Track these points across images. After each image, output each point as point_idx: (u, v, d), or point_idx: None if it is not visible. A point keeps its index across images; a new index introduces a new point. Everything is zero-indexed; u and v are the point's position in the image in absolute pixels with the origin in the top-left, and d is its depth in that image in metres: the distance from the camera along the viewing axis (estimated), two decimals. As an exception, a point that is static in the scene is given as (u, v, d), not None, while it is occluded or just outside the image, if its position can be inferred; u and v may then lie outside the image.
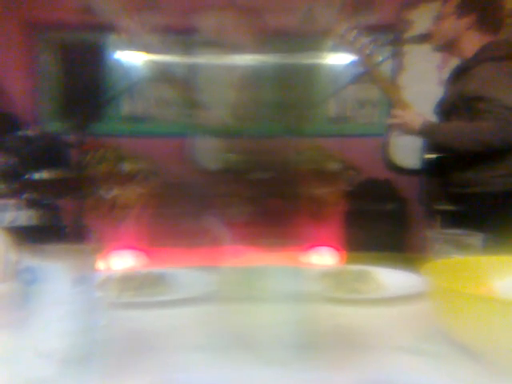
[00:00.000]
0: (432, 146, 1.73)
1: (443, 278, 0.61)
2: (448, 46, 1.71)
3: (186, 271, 0.94)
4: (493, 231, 0.90)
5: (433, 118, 1.73)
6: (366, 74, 1.82)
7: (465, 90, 1.59)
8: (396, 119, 1.70)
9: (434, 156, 1.73)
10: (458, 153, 1.61)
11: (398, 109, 1.71)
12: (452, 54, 1.76)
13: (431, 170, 1.77)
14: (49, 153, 1.85)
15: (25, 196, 1.71)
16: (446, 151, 1.66)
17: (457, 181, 1.65)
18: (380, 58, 1.86)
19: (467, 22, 1.64)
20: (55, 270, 0.51)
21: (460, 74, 1.66)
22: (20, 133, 1.90)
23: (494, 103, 1.51)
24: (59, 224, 1.80)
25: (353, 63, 1.81)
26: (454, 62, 1.78)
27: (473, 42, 1.64)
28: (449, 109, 1.66)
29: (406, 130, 1.69)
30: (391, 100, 1.79)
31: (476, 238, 0.78)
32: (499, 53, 1.61)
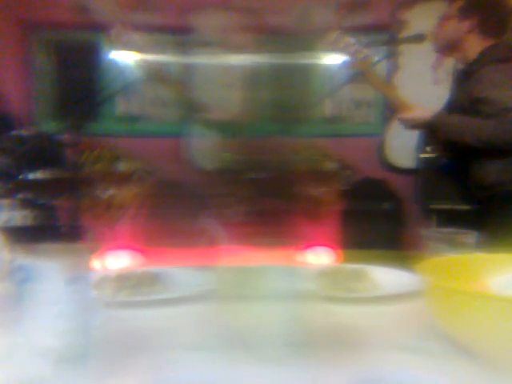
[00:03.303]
0: (431, 142, 1.72)
1: (438, 275, 0.61)
2: (449, 48, 1.71)
3: (183, 270, 0.94)
4: (491, 229, 0.90)
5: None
6: (361, 75, 1.82)
7: (471, 93, 1.59)
8: (405, 115, 1.69)
9: (434, 156, 1.73)
10: (460, 152, 1.60)
11: (396, 107, 1.71)
12: (454, 56, 1.76)
13: (448, 171, 1.75)
14: (44, 153, 1.84)
15: (19, 196, 1.70)
16: (445, 147, 1.65)
17: (475, 182, 1.63)
18: (375, 58, 1.86)
19: (469, 25, 1.63)
20: (49, 269, 0.50)
21: (466, 76, 1.66)
22: (14, 133, 1.89)
23: (499, 106, 1.51)
24: (54, 224, 1.79)
25: (347, 64, 1.81)
26: (449, 63, 1.79)
27: (475, 45, 1.64)
28: (456, 111, 1.65)
29: (415, 124, 1.68)
30: (389, 100, 1.79)
31: (470, 236, 0.79)
32: (504, 54, 1.61)
